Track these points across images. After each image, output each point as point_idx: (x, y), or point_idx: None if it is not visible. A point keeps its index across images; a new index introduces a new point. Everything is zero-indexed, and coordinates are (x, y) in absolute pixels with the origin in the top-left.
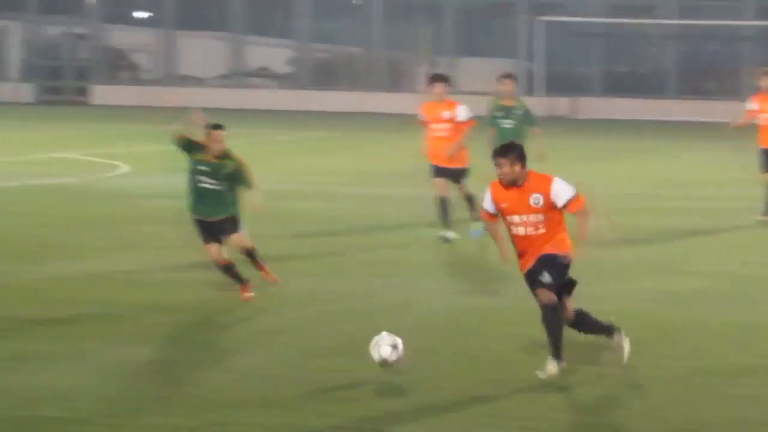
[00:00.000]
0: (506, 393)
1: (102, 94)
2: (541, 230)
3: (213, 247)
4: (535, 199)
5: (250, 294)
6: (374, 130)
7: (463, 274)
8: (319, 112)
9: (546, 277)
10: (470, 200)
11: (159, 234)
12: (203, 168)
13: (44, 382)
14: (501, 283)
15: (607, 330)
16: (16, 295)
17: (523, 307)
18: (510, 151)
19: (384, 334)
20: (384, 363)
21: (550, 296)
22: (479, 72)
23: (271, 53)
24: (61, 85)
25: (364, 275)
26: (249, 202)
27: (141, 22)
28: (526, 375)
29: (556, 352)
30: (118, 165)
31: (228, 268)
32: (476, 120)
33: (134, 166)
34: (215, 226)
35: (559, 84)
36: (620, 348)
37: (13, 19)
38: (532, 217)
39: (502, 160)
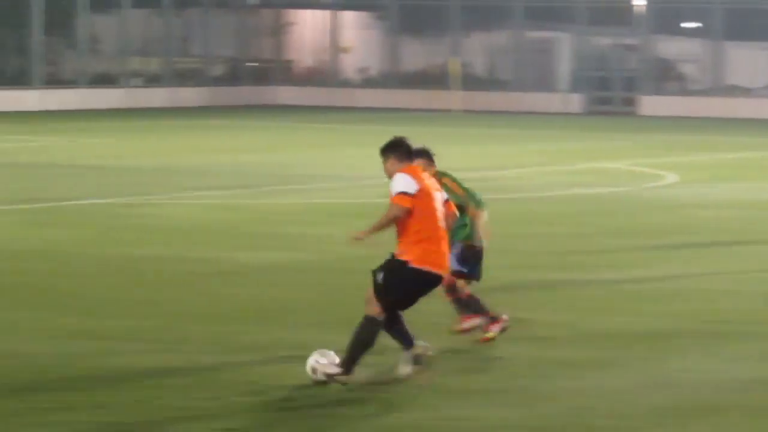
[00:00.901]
0: None
1: (649, 104)
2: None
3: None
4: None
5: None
6: None
7: None
8: None
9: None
10: None
11: (705, 247)
12: None
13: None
14: None
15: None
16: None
17: None
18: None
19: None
20: (313, 371)
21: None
22: None
23: None
24: (609, 95)
25: None
26: None
27: (690, 33)
28: None
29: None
30: (664, 175)
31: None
32: None
33: (682, 176)
34: None
35: None
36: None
37: (564, 31)
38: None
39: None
